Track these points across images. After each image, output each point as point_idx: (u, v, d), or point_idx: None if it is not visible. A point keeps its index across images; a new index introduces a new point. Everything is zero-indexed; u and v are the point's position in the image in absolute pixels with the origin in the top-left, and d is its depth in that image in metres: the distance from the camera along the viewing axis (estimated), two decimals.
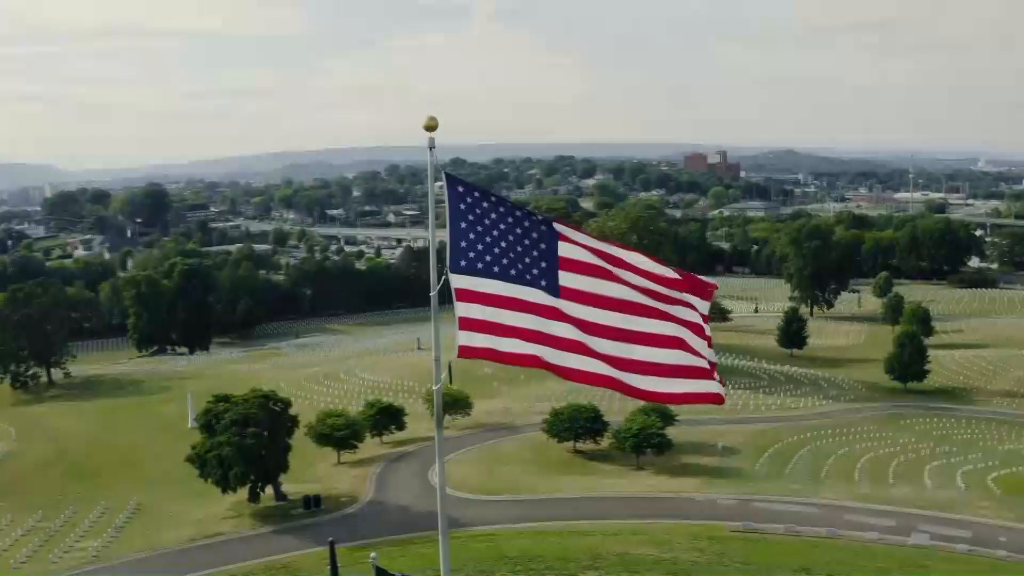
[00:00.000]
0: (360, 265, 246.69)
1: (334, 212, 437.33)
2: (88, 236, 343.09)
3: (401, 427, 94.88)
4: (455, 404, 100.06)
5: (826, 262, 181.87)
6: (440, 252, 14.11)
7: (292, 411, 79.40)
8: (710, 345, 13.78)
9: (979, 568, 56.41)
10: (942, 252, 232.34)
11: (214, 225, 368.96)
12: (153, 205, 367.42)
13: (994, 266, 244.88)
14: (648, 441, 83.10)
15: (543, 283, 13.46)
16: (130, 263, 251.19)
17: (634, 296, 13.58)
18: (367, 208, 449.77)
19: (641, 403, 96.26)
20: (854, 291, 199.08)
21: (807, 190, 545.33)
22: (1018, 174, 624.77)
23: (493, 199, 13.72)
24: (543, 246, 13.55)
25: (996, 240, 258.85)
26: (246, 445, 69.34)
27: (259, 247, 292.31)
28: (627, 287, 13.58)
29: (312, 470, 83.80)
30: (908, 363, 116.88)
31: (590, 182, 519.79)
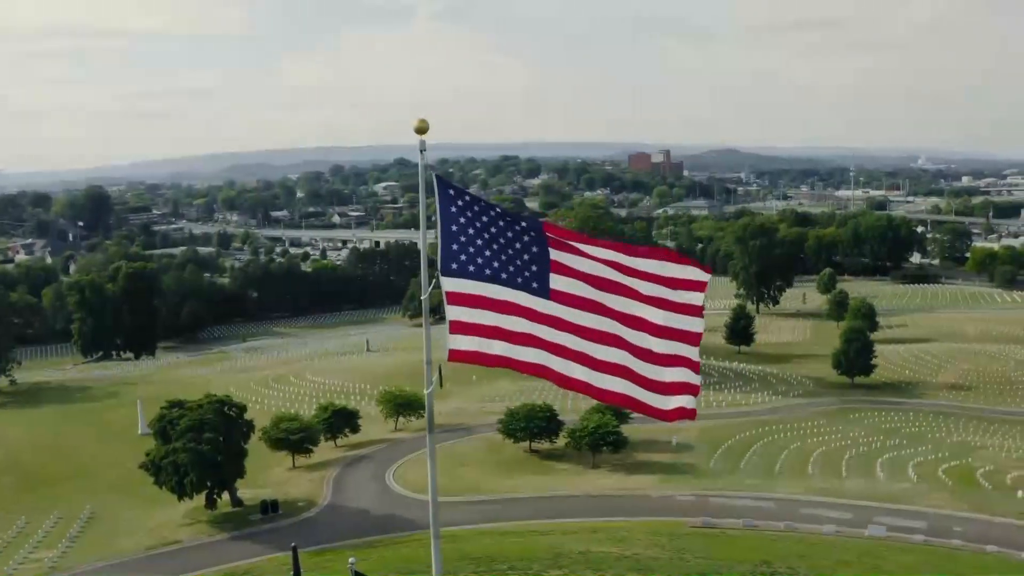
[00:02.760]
0: (306, 267, 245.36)
1: (278, 214, 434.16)
2: (29, 240, 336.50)
3: (355, 430, 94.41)
4: (408, 406, 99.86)
5: (771, 259, 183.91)
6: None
7: (246, 416, 78.65)
8: (697, 370, 13.81)
9: (936, 558, 57.39)
10: (884, 248, 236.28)
11: (157, 228, 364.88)
12: (95, 208, 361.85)
13: (935, 262, 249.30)
14: (604, 439, 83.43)
15: (534, 285, 13.48)
16: (72, 267, 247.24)
17: (627, 303, 13.60)
18: (311, 209, 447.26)
19: (596, 402, 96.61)
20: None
21: (749, 188, 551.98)
22: (957, 171, 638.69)
23: (483, 203, 13.73)
24: (534, 249, 13.56)
25: (937, 236, 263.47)
26: (202, 451, 68.48)
27: (203, 250, 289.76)
28: (620, 295, 13.59)
29: (267, 475, 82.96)
30: (855, 358, 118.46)
31: (535, 182, 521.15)
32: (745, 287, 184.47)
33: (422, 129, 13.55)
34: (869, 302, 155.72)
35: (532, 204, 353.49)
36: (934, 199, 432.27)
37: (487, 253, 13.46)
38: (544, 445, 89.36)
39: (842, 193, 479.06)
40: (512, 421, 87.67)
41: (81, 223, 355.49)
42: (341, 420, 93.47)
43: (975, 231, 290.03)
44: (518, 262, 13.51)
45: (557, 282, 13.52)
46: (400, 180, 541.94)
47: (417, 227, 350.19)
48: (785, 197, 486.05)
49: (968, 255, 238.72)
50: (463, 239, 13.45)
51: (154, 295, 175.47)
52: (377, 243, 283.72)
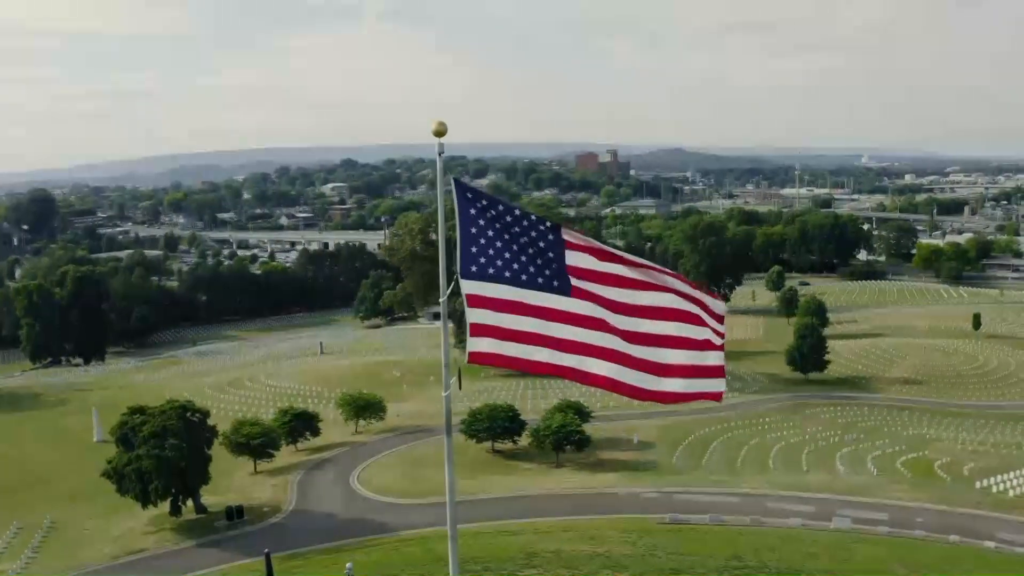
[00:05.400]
0: (255, 269, 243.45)
1: (225, 215, 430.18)
2: None
3: (316, 433, 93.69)
4: (368, 408, 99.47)
5: (721, 258, 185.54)
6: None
7: (208, 421, 77.81)
8: (722, 343, 14.04)
9: (902, 549, 58.40)
10: (831, 246, 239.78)
11: (102, 231, 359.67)
12: (39, 212, 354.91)
13: (881, 258, 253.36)
14: (568, 439, 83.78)
15: (555, 284, 13.54)
16: (18, 272, 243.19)
17: (643, 299, 13.75)
18: (258, 211, 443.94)
19: (556, 401, 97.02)
20: (804, 283, 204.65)
21: (696, 187, 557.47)
22: (900, 169, 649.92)
23: (501, 206, 13.76)
24: (554, 250, 13.63)
25: (882, 233, 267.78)
26: (167, 458, 67.56)
27: (149, 253, 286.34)
28: (636, 290, 13.74)
29: (229, 480, 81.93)
30: (808, 354, 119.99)
31: (483, 182, 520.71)
32: None
33: (440, 132, 13.52)
34: (819, 299, 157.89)
35: None
36: (878, 197, 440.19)
37: (507, 255, 13.47)
38: (507, 445, 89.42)
39: (787, 192, 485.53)
40: (475, 422, 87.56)
41: (26, 227, 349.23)
42: (301, 424, 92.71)
43: (919, 228, 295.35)
44: (538, 262, 13.55)
45: (577, 281, 13.61)
46: (347, 181, 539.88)
47: (366, 228, 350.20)
48: (731, 196, 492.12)
49: (914, 252, 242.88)
50: (483, 241, 13.43)
51: (102, 299, 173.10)
52: (326, 245, 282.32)
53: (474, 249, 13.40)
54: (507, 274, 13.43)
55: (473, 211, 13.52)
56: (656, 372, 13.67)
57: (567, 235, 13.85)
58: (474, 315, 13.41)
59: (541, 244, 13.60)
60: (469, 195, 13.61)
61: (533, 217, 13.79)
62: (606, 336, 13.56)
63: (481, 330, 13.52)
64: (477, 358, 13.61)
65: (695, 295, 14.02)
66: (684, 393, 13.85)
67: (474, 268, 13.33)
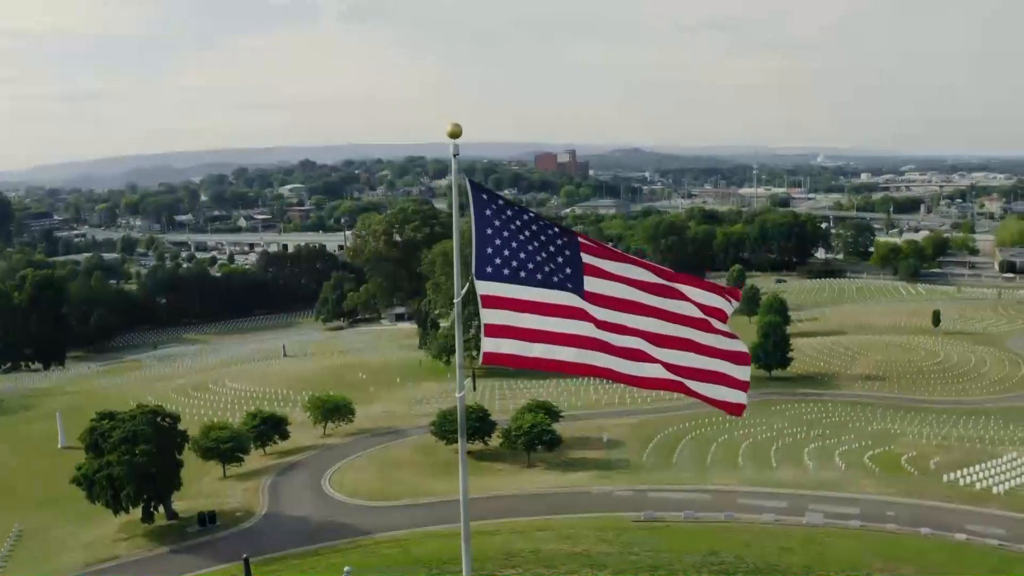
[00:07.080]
0: (214, 271, 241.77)
1: (182, 218, 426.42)
2: None
3: (285, 437, 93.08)
4: (337, 410, 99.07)
5: (683, 256, 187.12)
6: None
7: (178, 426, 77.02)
8: (745, 361, 14.19)
9: (876, 543, 59.12)
10: (790, 244, 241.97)
11: (59, 234, 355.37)
12: None
13: (840, 257, 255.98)
14: (539, 438, 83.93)
15: (569, 285, 13.65)
16: None
17: (662, 301, 13.90)
18: (216, 213, 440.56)
19: (525, 401, 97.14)
20: (781, 280, 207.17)
21: (654, 187, 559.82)
22: (856, 168, 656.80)
23: (517, 207, 13.86)
24: (567, 252, 13.73)
25: (840, 232, 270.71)
26: (138, 463, 66.80)
27: (107, 256, 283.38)
28: (653, 294, 13.89)
29: (198, 485, 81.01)
30: (772, 351, 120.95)
31: (442, 183, 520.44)
32: None
33: (455, 133, 13.58)
34: (781, 297, 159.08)
35: (441, 205, 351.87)
36: (835, 195, 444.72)
37: (522, 256, 13.54)
38: (477, 446, 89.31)
39: (745, 191, 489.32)
40: (445, 422, 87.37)
41: None
42: (270, 427, 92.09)
43: (876, 226, 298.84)
44: (552, 264, 13.63)
45: (591, 284, 13.71)
46: (305, 182, 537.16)
47: (325, 229, 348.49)
48: (690, 195, 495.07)
49: (872, 250, 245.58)
50: (498, 243, 13.49)
51: (62, 303, 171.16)
52: (285, 246, 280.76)
53: (489, 250, 13.45)
54: (522, 275, 13.50)
55: (488, 212, 13.57)
56: (679, 373, 13.83)
57: (582, 240, 13.98)
58: (489, 315, 13.46)
59: (555, 246, 13.70)
60: (484, 196, 13.68)
61: (547, 221, 13.92)
62: (623, 337, 13.69)
63: (496, 331, 13.57)
64: (492, 358, 13.66)
65: (708, 303, 14.21)
66: (700, 394, 13.99)
67: (489, 269, 13.38)
